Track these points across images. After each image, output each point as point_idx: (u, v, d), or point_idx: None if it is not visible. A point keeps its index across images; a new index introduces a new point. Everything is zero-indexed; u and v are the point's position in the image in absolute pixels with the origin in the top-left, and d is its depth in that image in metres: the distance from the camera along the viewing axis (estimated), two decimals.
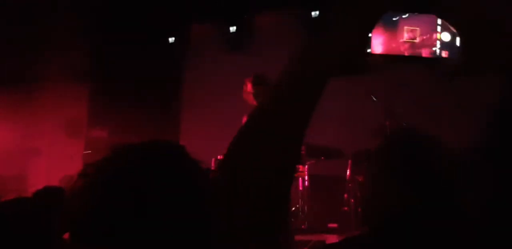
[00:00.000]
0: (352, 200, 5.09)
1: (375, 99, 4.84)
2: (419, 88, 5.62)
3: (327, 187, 5.29)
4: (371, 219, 1.58)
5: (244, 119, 4.69)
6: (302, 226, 4.87)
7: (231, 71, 7.44)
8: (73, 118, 7.54)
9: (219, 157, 4.32)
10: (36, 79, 7.12)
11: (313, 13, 6.86)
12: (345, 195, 5.15)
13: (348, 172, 5.14)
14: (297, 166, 4.41)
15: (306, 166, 5.06)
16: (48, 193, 3.05)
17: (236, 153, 0.91)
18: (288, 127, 0.90)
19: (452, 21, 0.85)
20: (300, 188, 4.91)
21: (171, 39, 7.90)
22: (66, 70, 7.12)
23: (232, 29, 7.45)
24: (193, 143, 7.76)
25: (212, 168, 4.48)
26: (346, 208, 5.12)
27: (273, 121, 0.90)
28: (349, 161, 5.14)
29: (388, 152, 1.62)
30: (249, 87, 4.51)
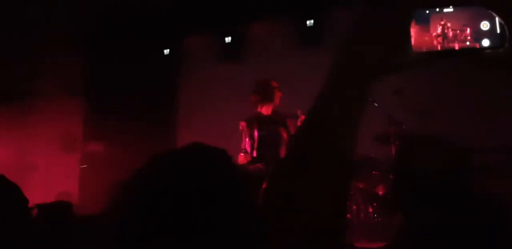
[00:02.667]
0: (354, 207, 5.05)
1: (376, 105, 4.84)
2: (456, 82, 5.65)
3: None
4: (397, 229, 1.60)
5: (242, 124, 4.68)
6: None
7: (226, 82, 7.44)
8: (69, 133, 7.50)
9: None
10: (31, 93, 7.09)
11: (308, 22, 6.88)
12: (347, 202, 5.11)
13: None
14: None
15: None
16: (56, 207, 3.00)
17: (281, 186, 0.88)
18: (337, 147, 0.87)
19: (495, 8, 0.82)
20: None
21: (166, 51, 7.90)
22: (61, 84, 7.10)
23: (227, 39, 7.46)
24: None
25: None
26: (348, 216, 5.08)
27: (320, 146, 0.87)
28: None
29: (402, 163, 1.63)
30: (274, 83, 4.62)
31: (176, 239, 0.83)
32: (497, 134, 5.31)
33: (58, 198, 7.08)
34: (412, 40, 0.83)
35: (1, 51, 6.63)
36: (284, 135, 4.48)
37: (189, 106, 7.99)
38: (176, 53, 7.97)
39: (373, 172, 5.05)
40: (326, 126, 0.86)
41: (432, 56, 0.87)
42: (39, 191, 7.13)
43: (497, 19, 0.83)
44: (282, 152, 4.41)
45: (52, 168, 7.28)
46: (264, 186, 3.31)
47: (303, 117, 4.47)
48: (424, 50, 0.86)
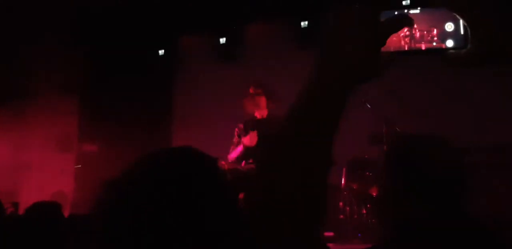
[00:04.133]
0: (348, 208, 5.08)
1: (369, 106, 4.87)
2: (427, 81, 5.68)
3: None
4: (390, 230, 1.60)
5: (239, 126, 4.70)
6: None
7: (221, 82, 7.46)
8: (64, 133, 7.49)
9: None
10: (26, 93, 7.08)
11: (302, 24, 6.91)
12: (341, 203, 5.14)
13: (343, 180, 5.13)
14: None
15: None
16: (42, 207, 3.01)
17: (269, 161, 0.90)
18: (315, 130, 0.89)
19: (458, 10, 0.85)
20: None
21: (161, 52, 7.91)
22: (56, 84, 7.10)
23: (222, 40, 7.47)
24: None
25: None
26: (342, 216, 5.10)
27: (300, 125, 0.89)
28: (344, 169, 5.13)
29: (395, 163, 1.64)
30: (256, 89, 4.60)
31: (161, 239, 0.85)
32: (492, 132, 5.37)
33: (53, 197, 7.09)
34: None
35: None
36: None
37: (184, 106, 8.01)
38: (171, 54, 7.97)
39: (367, 173, 5.08)
40: (307, 125, 0.88)
41: (399, 56, 0.90)
42: (33, 191, 7.14)
43: (461, 21, 0.86)
44: None
45: (46, 167, 7.27)
46: None
47: None
48: (391, 50, 0.89)
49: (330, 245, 4.58)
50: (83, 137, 7.69)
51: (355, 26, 0.85)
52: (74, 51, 7.17)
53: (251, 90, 4.66)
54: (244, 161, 4.62)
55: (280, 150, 0.89)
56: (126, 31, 7.34)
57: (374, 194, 5.03)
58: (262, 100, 4.64)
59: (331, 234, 4.90)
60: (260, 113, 4.72)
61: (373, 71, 0.87)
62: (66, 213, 5.33)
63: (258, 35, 7.27)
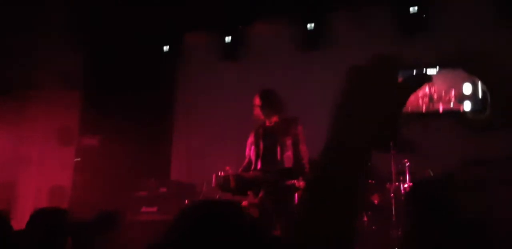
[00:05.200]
0: None
1: None
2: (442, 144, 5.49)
3: None
4: None
5: (251, 137, 4.69)
6: None
7: (224, 80, 7.45)
8: (65, 126, 7.47)
9: (220, 173, 4.32)
10: (28, 86, 7.04)
11: (308, 25, 6.88)
12: None
13: None
14: (295, 181, 4.42)
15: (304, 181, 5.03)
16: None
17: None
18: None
19: (477, 74, 0.84)
20: (296, 203, 4.90)
21: (166, 48, 7.86)
22: (58, 77, 7.05)
23: (227, 38, 7.43)
24: (186, 151, 7.75)
25: (213, 184, 4.48)
26: None
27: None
28: None
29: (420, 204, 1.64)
30: (257, 100, 4.58)
31: None
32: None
33: (52, 191, 7.09)
34: None
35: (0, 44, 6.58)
36: (288, 142, 4.47)
37: (186, 103, 7.99)
38: (176, 50, 7.94)
39: (369, 180, 5.09)
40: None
41: (417, 118, 0.89)
42: (32, 184, 7.13)
43: (479, 83, 0.85)
44: (282, 163, 4.43)
45: (47, 161, 7.26)
46: (261, 193, 3.33)
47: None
48: (409, 111, 0.88)
49: None
50: (83, 131, 7.66)
51: (373, 88, 0.84)
52: (76, 44, 7.12)
53: (255, 101, 4.63)
54: (253, 167, 4.62)
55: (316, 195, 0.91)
56: (131, 25, 7.28)
57: (376, 202, 5.05)
58: (264, 111, 4.61)
59: None
60: (269, 120, 4.69)
61: (392, 136, 0.86)
62: (64, 207, 5.35)
63: (263, 34, 7.24)
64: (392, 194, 4.93)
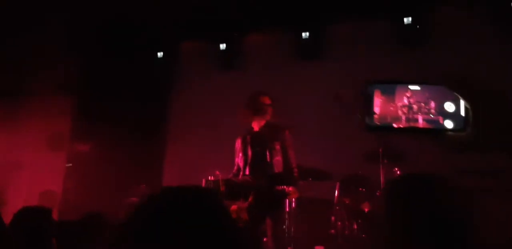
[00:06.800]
0: (339, 223, 5.08)
1: (360, 117, 4.83)
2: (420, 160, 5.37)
3: (314, 209, 5.26)
4: None
5: (238, 144, 4.68)
6: (288, 248, 4.84)
7: (219, 88, 7.45)
8: (57, 132, 7.45)
9: (210, 178, 4.28)
10: (21, 92, 7.04)
11: (303, 34, 6.91)
12: (332, 218, 5.14)
13: (336, 195, 5.13)
14: (286, 187, 4.40)
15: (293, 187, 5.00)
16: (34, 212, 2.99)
17: None
18: None
19: (461, 93, 0.85)
20: (287, 209, 4.88)
21: (160, 55, 7.88)
22: (51, 83, 7.05)
23: (222, 46, 7.46)
24: (179, 157, 7.72)
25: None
26: (333, 231, 5.10)
27: None
28: (337, 184, 5.14)
29: (397, 201, 1.64)
30: (268, 100, 4.57)
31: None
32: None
33: (42, 196, 7.05)
34: (378, 109, 0.85)
35: None
36: (277, 147, 4.46)
37: (180, 110, 7.98)
38: (170, 57, 7.95)
39: (360, 188, 5.08)
40: None
41: (396, 132, 0.90)
42: (23, 189, 7.10)
43: (462, 102, 0.86)
44: (272, 168, 4.42)
45: (38, 166, 7.23)
46: (251, 198, 3.34)
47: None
48: (388, 120, 0.89)
49: None
50: (75, 137, 7.64)
51: None
52: (72, 51, 7.13)
53: (267, 101, 4.64)
54: (241, 173, 4.60)
55: None
56: (126, 33, 7.30)
57: (366, 210, 5.04)
58: (271, 111, 4.64)
59: (321, 248, 4.90)
60: (259, 123, 4.68)
61: None
62: (54, 212, 5.31)
63: (258, 43, 7.27)
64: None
